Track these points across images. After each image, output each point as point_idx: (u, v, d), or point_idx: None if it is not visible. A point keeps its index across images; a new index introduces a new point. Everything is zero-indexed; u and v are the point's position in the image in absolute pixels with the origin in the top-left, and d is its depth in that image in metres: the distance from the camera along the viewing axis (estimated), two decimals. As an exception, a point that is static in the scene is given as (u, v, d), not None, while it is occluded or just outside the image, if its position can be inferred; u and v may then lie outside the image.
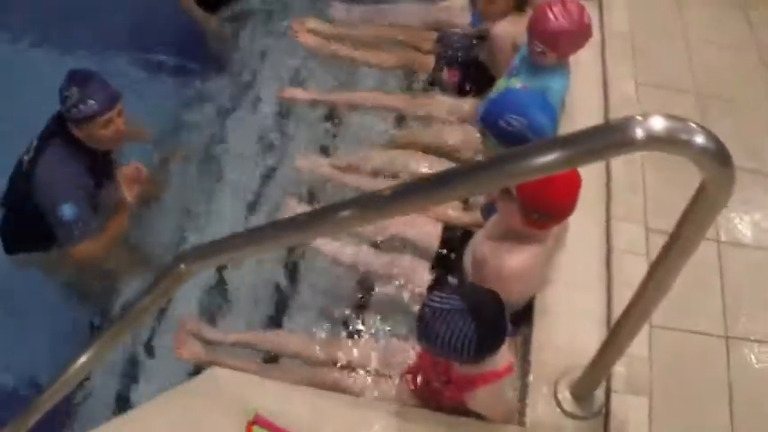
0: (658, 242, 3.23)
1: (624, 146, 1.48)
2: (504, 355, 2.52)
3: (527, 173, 1.57)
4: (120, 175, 3.64)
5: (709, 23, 4.68)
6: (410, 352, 2.98)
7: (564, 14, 3.28)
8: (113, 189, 3.59)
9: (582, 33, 3.35)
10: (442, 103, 4.08)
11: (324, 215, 1.99)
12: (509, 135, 2.94)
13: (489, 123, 3.03)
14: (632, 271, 3.19)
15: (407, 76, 4.44)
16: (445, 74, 4.22)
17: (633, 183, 3.56)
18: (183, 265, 2.17)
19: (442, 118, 4.00)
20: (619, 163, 3.57)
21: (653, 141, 1.46)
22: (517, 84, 3.42)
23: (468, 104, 3.99)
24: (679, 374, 2.98)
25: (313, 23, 4.65)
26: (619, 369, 2.81)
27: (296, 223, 2.07)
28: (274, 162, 4.29)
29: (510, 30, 3.69)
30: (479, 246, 2.89)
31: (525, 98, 3.06)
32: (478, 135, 3.58)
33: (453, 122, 3.95)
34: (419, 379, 2.79)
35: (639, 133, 1.45)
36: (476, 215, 3.35)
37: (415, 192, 1.79)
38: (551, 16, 3.28)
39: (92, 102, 3.27)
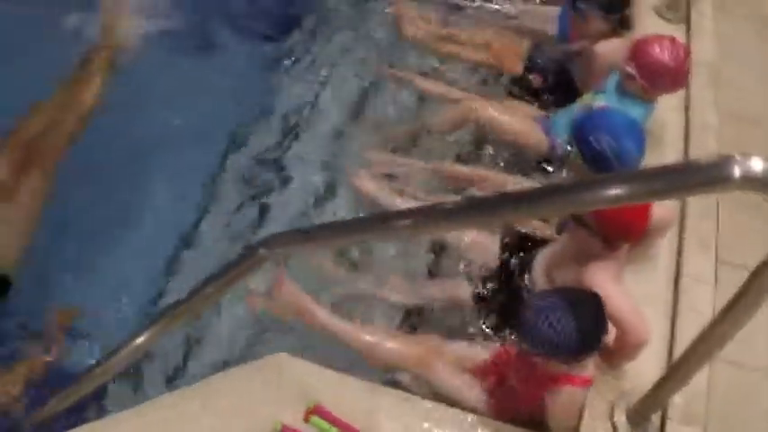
0: (728, 273, 3.30)
1: (720, 184, 1.50)
2: (592, 366, 2.61)
3: (620, 199, 1.60)
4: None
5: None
6: (479, 351, 3.05)
7: (670, 50, 3.35)
8: None
9: (677, 75, 3.42)
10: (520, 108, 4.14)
11: (401, 218, 2.07)
12: (595, 152, 2.99)
13: (579, 137, 3.07)
14: (699, 299, 3.22)
15: (489, 75, 4.55)
16: (533, 77, 4.29)
17: (707, 212, 3.54)
18: (262, 250, 2.24)
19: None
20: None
21: (750, 182, 1.47)
22: (600, 102, 3.45)
23: (537, 111, 4.07)
24: (736, 410, 2.96)
25: (413, 12, 4.76)
26: (676, 398, 2.80)
27: (376, 222, 2.16)
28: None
29: (613, 51, 3.71)
30: (560, 269, 2.95)
31: (621, 122, 3.09)
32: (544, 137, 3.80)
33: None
34: (492, 378, 2.87)
35: (737, 173, 1.46)
36: (551, 228, 3.39)
37: (502, 205, 1.85)
38: (657, 47, 3.35)
39: None
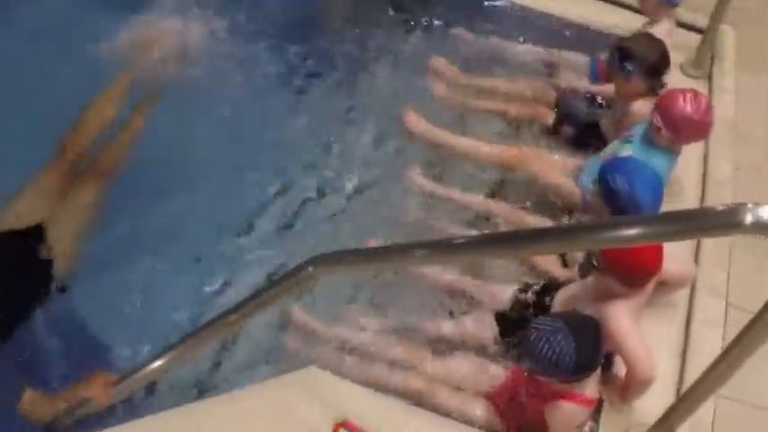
0: (735, 316, 3.47)
1: (732, 229, 1.69)
2: (592, 387, 2.81)
3: (640, 239, 1.80)
4: None
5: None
6: (492, 371, 3.26)
7: (692, 103, 3.51)
8: None
9: (701, 126, 3.57)
10: (551, 159, 4.30)
11: (436, 246, 2.28)
12: (608, 191, 3.23)
13: (602, 174, 3.31)
14: (708, 342, 3.41)
15: (521, 125, 4.65)
16: (562, 129, 4.45)
17: (720, 261, 3.74)
18: (311, 268, 2.42)
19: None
20: (708, 242, 3.77)
21: (760, 228, 1.66)
22: (627, 151, 3.65)
23: (573, 163, 4.19)
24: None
25: (444, 66, 4.91)
26: (683, 429, 2.96)
27: (419, 249, 2.34)
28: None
29: (647, 109, 3.80)
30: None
31: (640, 170, 3.29)
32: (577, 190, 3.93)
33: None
34: (505, 393, 3.09)
35: (749, 219, 1.66)
36: (573, 272, 3.57)
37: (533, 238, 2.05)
38: (681, 100, 3.52)
39: None
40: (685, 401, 2.63)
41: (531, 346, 2.64)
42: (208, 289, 3.79)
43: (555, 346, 2.60)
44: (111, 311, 3.66)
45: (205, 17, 5.01)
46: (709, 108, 3.54)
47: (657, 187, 3.26)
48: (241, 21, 5.13)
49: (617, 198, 3.19)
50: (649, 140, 3.66)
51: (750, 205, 1.67)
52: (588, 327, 2.70)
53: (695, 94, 3.55)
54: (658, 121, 3.57)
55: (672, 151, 3.69)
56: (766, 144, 4.53)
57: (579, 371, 2.67)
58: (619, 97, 4.10)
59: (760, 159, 4.40)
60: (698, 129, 3.59)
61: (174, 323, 3.57)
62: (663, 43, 3.93)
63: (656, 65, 3.86)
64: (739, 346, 2.22)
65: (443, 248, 2.26)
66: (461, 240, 2.40)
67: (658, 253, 2.91)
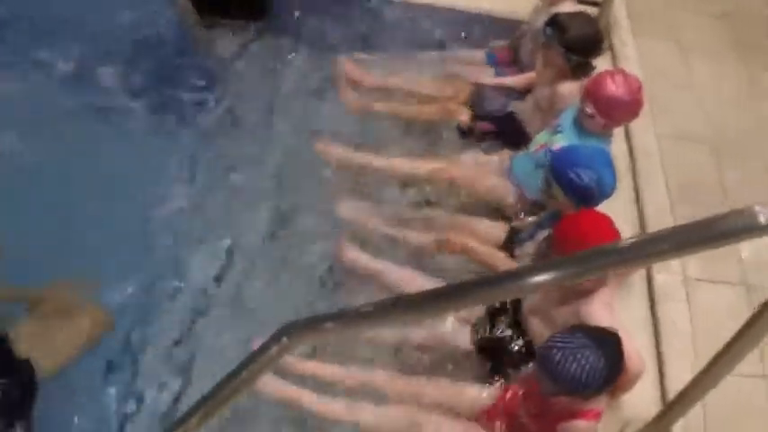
0: (695, 287, 3.47)
1: (749, 231, 1.61)
2: (604, 399, 2.69)
3: (662, 255, 1.72)
4: None
5: (714, 75, 4.94)
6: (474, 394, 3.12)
7: (624, 85, 3.43)
8: None
9: (634, 107, 3.50)
10: (471, 162, 4.17)
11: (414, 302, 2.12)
12: (577, 187, 3.10)
13: (558, 174, 3.16)
14: (677, 318, 3.42)
15: (432, 130, 4.54)
16: (478, 125, 4.34)
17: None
18: (285, 339, 2.24)
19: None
20: (651, 214, 3.79)
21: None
22: (561, 141, 3.57)
23: (498, 157, 4.09)
24: (733, 420, 3.14)
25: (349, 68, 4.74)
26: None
27: (395, 306, 2.18)
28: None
29: (575, 92, 3.75)
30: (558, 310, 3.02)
31: (595, 154, 3.20)
32: (511, 186, 3.85)
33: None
34: (498, 416, 2.96)
35: (763, 219, 1.58)
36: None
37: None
38: (611, 83, 3.43)
39: None
40: (677, 405, 2.65)
41: (557, 366, 2.48)
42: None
43: (584, 364, 2.46)
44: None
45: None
46: (639, 87, 3.48)
47: (612, 164, 3.19)
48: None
49: (586, 191, 3.09)
50: (580, 128, 3.58)
51: (758, 207, 1.59)
52: (610, 339, 2.57)
53: (624, 74, 3.50)
54: (591, 108, 3.48)
55: (606, 135, 3.62)
56: (679, 107, 4.60)
57: (606, 385, 2.56)
58: (545, 68, 4.01)
59: (678, 123, 4.45)
60: (631, 110, 3.52)
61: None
62: (594, 26, 3.90)
63: (576, 40, 3.77)
64: (738, 344, 2.22)
65: (421, 302, 2.08)
66: (449, 289, 2.24)
67: (617, 235, 2.83)
